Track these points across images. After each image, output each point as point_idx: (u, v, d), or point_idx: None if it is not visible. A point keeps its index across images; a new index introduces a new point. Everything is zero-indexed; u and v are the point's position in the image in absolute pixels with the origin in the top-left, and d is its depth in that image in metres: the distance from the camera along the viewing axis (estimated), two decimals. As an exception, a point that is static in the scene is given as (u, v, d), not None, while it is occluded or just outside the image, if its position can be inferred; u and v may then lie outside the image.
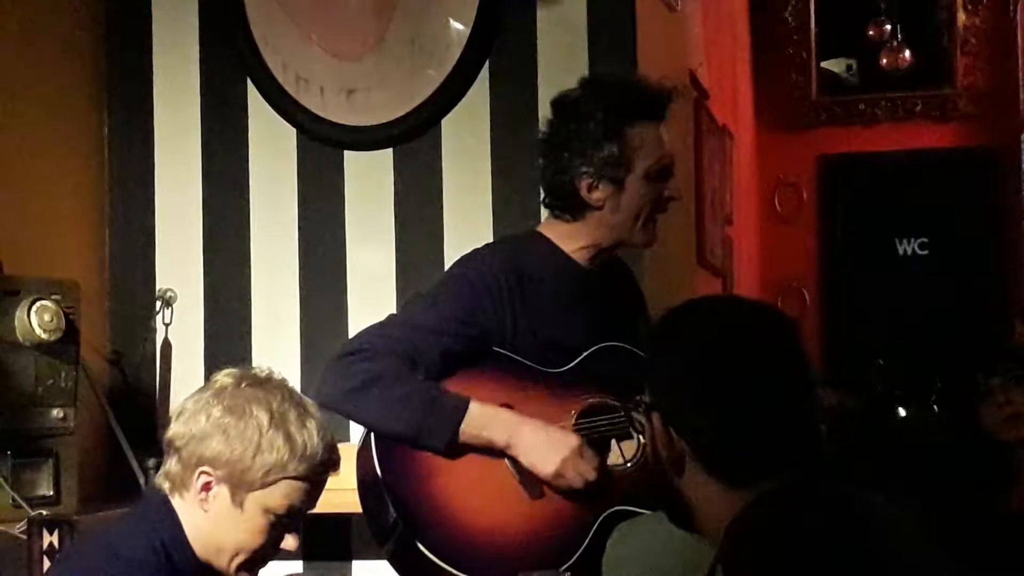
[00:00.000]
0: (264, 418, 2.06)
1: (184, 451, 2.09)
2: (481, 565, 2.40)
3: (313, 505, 2.15)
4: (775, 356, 1.71)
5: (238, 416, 2.06)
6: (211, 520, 2.09)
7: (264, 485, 2.06)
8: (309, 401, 2.18)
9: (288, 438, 2.06)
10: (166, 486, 2.13)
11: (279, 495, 2.07)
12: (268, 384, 2.13)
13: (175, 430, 2.11)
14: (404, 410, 2.44)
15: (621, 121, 2.57)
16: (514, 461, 2.49)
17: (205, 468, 2.07)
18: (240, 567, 2.12)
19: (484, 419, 2.46)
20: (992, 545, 2.92)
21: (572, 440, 2.48)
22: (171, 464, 2.12)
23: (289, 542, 2.12)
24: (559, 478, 2.46)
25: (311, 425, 2.10)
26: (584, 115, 2.57)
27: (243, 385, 2.11)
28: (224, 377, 2.13)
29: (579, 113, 2.59)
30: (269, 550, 2.12)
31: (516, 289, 2.57)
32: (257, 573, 2.16)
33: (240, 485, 2.07)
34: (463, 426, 2.45)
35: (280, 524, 2.10)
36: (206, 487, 2.08)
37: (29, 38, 3.60)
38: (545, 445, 2.46)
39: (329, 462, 2.12)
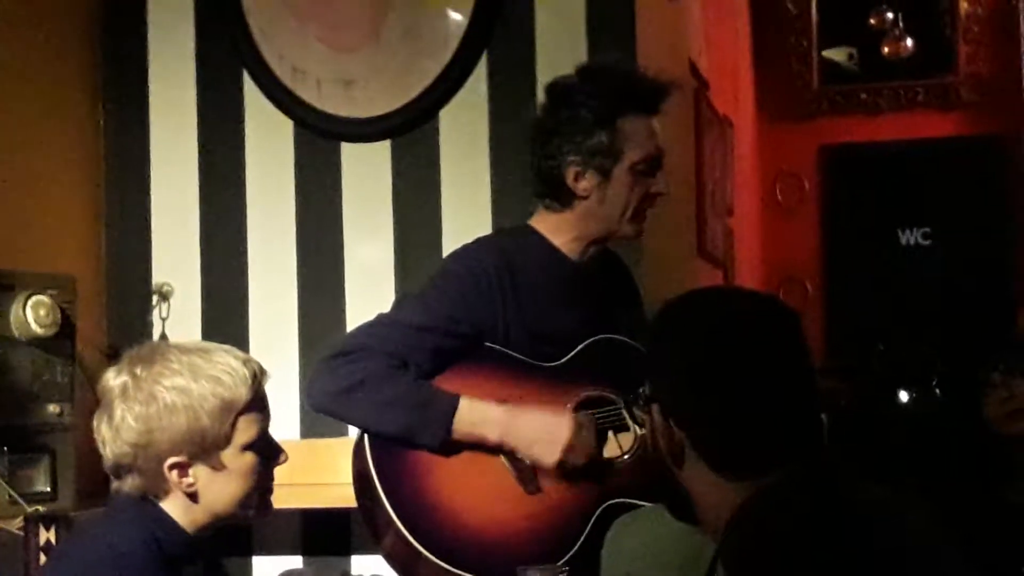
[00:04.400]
0: (179, 381, 2.02)
1: (137, 463, 2.03)
2: (478, 562, 2.38)
3: (268, 418, 2.13)
4: (775, 347, 1.69)
5: (155, 401, 2.01)
6: (209, 495, 2.06)
7: (229, 435, 2.04)
8: (200, 341, 2.15)
9: (213, 380, 2.03)
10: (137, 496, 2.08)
11: (243, 431, 2.06)
12: (154, 356, 2.06)
13: (114, 454, 2.05)
14: (394, 411, 2.42)
15: (613, 111, 2.53)
16: (510, 457, 2.47)
17: (169, 460, 2.03)
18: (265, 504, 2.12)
19: (475, 416, 2.44)
20: (990, 536, 2.90)
21: (567, 423, 2.46)
22: (131, 480, 2.05)
23: (280, 457, 2.13)
24: (563, 465, 2.45)
25: (219, 356, 2.06)
26: (577, 102, 2.54)
27: (137, 375, 2.04)
28: (112, 381, 2.06)
29: (572, 100, 2.55)
30: (271, 475, 2.12)
31: (507, 283, 2.54)
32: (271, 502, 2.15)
33: (210, 451, 2.04)
34: (455, 424, 2.43)
35: (262, 450, 2.09)
36: (182, 473, 2.04)
37: (24, 31, 3.58)
38: (543, 438, 2.44)
39: (256, 373, 2.08)
